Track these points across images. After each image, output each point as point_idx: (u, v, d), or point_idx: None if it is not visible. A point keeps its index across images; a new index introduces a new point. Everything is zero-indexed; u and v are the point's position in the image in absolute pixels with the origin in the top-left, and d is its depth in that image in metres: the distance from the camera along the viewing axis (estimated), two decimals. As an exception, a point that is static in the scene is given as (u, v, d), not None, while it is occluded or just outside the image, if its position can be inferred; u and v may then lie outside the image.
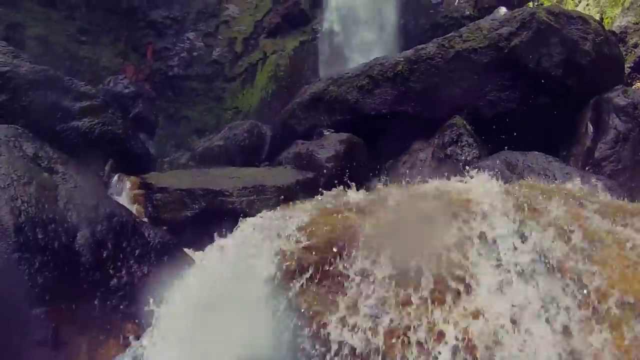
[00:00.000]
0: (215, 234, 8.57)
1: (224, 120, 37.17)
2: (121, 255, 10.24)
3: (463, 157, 16.24)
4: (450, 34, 19.35)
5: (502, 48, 17.40)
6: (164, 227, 12.85)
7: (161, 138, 35.32)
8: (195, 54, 40.42)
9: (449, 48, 18.38)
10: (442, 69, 18.35)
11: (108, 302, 9.87)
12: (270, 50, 39.71)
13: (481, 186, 8.06)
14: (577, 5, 30.35)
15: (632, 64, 21.49)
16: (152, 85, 38.79)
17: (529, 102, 17.47)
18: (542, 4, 35.96)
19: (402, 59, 19.21)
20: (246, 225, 8.53)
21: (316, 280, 7.07)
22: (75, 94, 17.80)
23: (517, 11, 18.65)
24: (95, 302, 9.71)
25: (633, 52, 21.82)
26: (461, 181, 8.57)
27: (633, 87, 20.69)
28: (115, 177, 16.01)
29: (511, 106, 17.61)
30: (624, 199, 9.34)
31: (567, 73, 17.03)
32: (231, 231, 8.58)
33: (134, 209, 14.10)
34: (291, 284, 7.08)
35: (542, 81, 17.18)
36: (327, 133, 19.33)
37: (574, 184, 8.63)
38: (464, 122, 17.41)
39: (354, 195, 8.96)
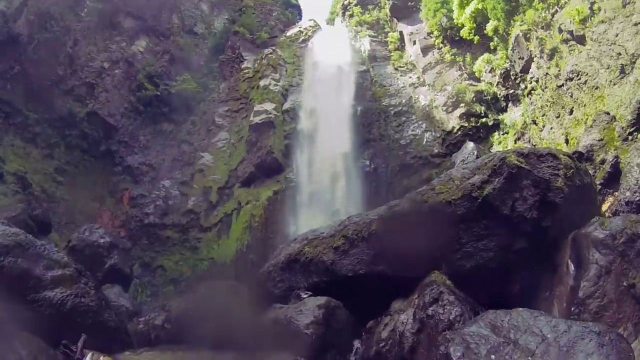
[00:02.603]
0: None
1: (199, 271, 37.63)
2: None
3: (445, 317, 15.61)
4: (423, 188, 19.30)
5: (475, 198, 17.31)
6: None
7: (137, 287, 35.11)
8: (170, 202, 41.25)
9: (422, 203, 18.34)
10: (417, 225, 18.24)
11: None
12: (245, 200, 40.49)
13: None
14: (541, 131, 31.42)
15: (602, 180, 21.90)
16: (128, 232, 38.87)
17: (506, 248, 17.27)
18: (506, 133, 37.33)
19: (375, 217, 19.14)
20: None
21: None
22: (47, 262, 17.52)
23: (487, 157, 18.84)
24: None
25: (601, 169, 22.33)
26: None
27: (606, 204, 20.71)
28: (89, 356, 15.29)
29: (489, 255, 17.32)
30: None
31: (542, 214, 16.92)
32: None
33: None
34: None
35: (518, 225, 17.08)
36: (305, 296, 18.95)
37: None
38: (444, 278, 16.94)
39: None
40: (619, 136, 21.90)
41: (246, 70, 52.43)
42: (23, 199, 31.67)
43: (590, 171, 21.54)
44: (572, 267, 15.75)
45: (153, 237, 39.05)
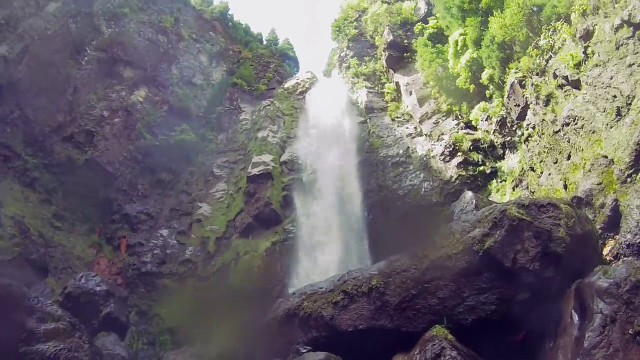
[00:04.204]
0: None
1: (197, 321, 37.48)
2: None
3: (449, 375, 15.31)
4: (423, 242, 19.22)
5: (476, 251, 17.27)
6: None
7: (133, 335, 34.20)
8: (168, 251, 40.76)
9: (423, 258, 18.27)
10: (417, 280, 18.02)
11: None
12: (243, 250, 39.96)
13: None
14: (539, 177, 31.22)
15: (602, 225, 21.51)
16: (125, 279, 38.31)
17: (508, 300, 16.99)
18: (504, 180, 37.23)
19: (376, 273, 19.02)
20: None
21: None
22: (40, 315, 17.18)
23: (488, 209, 18.75)
24: None
25: (601, 213, 21.96)
26: None
27: (607, 248, 20.40)
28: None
29: (491, 308, 17.07)
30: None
31: (544, 265, 16.71)
32: None
33: None
34: None
35: (520, 277, 16.83)
36: (304, 351, 18.59)
37: None
38: (445, 332, 16.64)
39: None
40: (617, 179, 21.78)
41: (244, 122, 52.82)
42: (20, 243, 31.42)
43: (590, 216, 21.48)
44: (576, 317, 15.50)
45: (150, 285, 38.60)
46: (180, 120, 48.56)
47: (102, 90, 44.04)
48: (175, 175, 45.79)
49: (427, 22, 51.17)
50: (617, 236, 20.23)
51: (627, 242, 19.02)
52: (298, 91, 57.50)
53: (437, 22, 48.98)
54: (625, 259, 18.79)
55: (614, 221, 20.80)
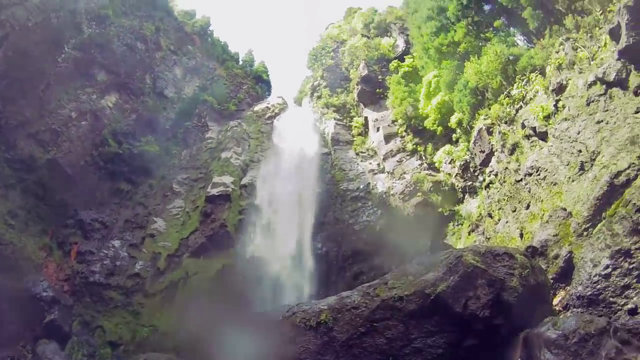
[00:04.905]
0: None
1: (139, 337, 35.67)
2: None
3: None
4: (376, 281, 19.20)
5: (428, 295, 17.27)
6: None
7: (74, 345, 33.06)
8: (118, 263, 39.70)
9: (374, 296, 18.18)
10: (367, 318, 17.89)
11: None
12: (193, 270, 39.27)
13: None
14: (496, 224, 31.42)
15: (555, 275, 21.70)
16: (72, 287, 37.00)
17: (456, 345, 17.03)
18: (461, 224, 37.29)
19: (325, 307, 18.83)
20: None
21: None
22: None
23: (444, 254, 18.89)
24: None
25: (554, 264, 22.18)
26: None
27: (557, 298, 20.59)
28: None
29: (438, 351, 17.03)
30: None
31: (495, 312, 16.79)
32: None
33: None
34: None
35: (470, 323, 16.90)
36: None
37: None
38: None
39: None
40: (574, 232, 21.99)
41: (210, 140, 52.35)
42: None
43: (543, 266, 21.77)
44: (522, 366, 15.19)
45: (96, 296, 37.37)
46: (147, 131, 47.94)
47: (74, 90, 42.98)
48: (134, 186, 44.81)
49: (403, 60, 51.65)
50: (568, 287, 20.44)
51: (578, 294, 19.10)
52: (267, 115, 57.38)
53: (414, 61, 49.44)
54: (574, 310, 18.97)
55: (567, 272, 21.02)
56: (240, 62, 71.55)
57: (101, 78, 45.76)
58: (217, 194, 43.62)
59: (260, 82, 69.74)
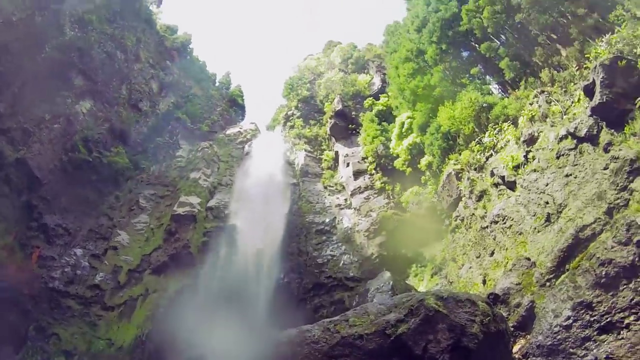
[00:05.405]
0: None
1: (94, 349, 35.21)
2: None
3: None
4: (337, 318, 19.06)
5: (388, 335, 17.20)
6: None
7: (28, 350, 32.61)
8: (79, 272, 39.13)
9: (334, 332, 18.00)
10: (326, 354, 17.67)
11: None
12: (153, 287, 38.93)
13: None
14: (460, 268, 31.59)
15: (515, 323, 21.76)
16: (30, 290, 36.00)
17: None
18: (424, 267, 37.43)
19: (285, 340, 18.56)
20: None
21: None
22: None
23: (406, 296, 18.93)
24: None
25: (515, 312, 22.26)
26: None
27: (517, 346, 20.82)
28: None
29: None
30: None
31: (454, 358, 16.75)
32: None
33: None
34: None
35: None
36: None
37: None
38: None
39: None
40: (536, 282, 22.26)
41: (180, 159, 52.11)
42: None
43: (504, 313, 21.87)
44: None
45: (54, 302, 36.66)
46: (118, 142, 47.71)
47: (50, 92, 42.32)
48: (101, 196, 44.31)
49: (378, 99, 52.35)
50: (528, 336, 20.61)
51: (538, 343, 19.37)
52: (239, 140, 57.43)
53: (388, 100, 50.17)
54: (534, 359, 19.22)
55: (527, 321, 21.16)
56: (217, 84, 71.96)
57: (78, 83, 45.32)
58: (182, 213, 43.25)
59: (234, 106, 69.91)
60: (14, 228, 36.97)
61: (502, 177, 28.48)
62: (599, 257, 18.39)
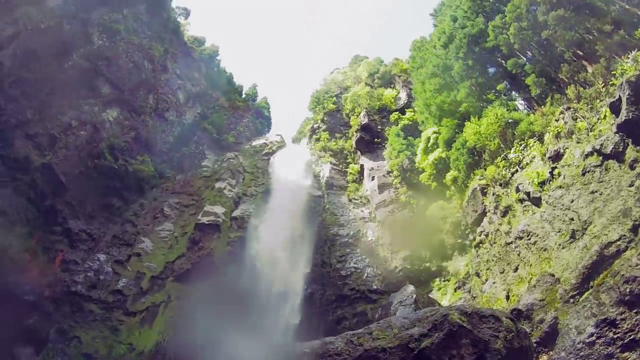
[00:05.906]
0: None
1: (115, 353, 35.55)
2: None
3: None
4: (360, 331, 19.05)
5: (412, 349, 17.15)
6: None
7: (49, 352, 32.96)
8: (102, 277, 39.52)
9: (357, 345, 17.98)
10: None
11: None
12: (175, 295, 39.14)
13: None
14: (483, 283, 31.48)
15: (538, 339, 21.60)
16: (52, 294, 36.39)
17: None
18: (448, 281, 37.35)
19: (308, 351, 18.59)
20: None
21: None
22: None
23: (430, 311, 18.91)
24: None
25: (539, 328, 22.10)
26: None
27: None
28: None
29: None
30: None
31: None
32: None
33: None
34: None
35: None
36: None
37: None
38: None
39: None
40: (560, 298, 22.17)
41: (205, 168, 52.60)
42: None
43: (527, 329, 21.66)
44: None
45: (76, 306, 36.98)
46: (144, 151, 48.17)
47: (77, 99, 43.11)
48: (125, 203, 44.80)
49: (404, 113, 52.46)
50: (551, 352, 20.49)
51: (561, 360, 19.17)
52: (264, 151, 57.82)
53: (414, 115, 50.18)
54: (556, 375, 18.93)
55: (550, 338, 21.04)
56: (243, 95, 72.48)
57: (105, 91, 46.05)
58: (207, 222, 43.69)
59: (260, 118, 70.49)
60: (37, 231, 37.52)
61: (528, 193, 28.41)
62: (623, 275, 18.30)
